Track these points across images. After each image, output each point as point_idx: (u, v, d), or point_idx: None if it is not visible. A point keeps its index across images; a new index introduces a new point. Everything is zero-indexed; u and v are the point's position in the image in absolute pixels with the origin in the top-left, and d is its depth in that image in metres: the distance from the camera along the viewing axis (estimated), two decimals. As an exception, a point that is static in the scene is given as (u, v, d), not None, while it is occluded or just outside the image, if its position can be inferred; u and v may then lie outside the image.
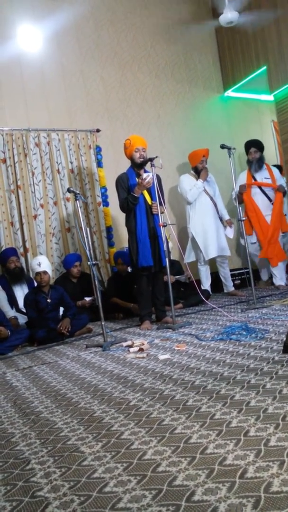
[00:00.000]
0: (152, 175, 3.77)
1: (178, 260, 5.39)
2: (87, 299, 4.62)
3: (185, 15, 6.39)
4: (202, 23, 6.47)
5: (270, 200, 5.25)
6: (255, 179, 5.32)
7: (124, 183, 3.98)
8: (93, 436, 1.60)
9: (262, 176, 5.30)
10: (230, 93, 6.61)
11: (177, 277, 4.90)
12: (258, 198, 5.28)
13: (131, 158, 4.04)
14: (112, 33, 5.81)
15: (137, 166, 4.02)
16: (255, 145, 5.39)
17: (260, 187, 5.30)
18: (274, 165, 5.78)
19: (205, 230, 5.14)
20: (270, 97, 6.15)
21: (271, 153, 6.76)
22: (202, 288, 5.10)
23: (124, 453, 1.42)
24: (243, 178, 5.40)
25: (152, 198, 3.94)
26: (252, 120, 6.82)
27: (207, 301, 4.20)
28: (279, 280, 5.19)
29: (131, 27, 5.95)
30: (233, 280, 5.54)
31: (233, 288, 5.35)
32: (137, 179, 3.92)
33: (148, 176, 3.80)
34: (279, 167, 5.85)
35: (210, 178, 5.34)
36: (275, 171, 5.41)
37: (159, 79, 6.13)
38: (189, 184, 5.21)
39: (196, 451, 1.35)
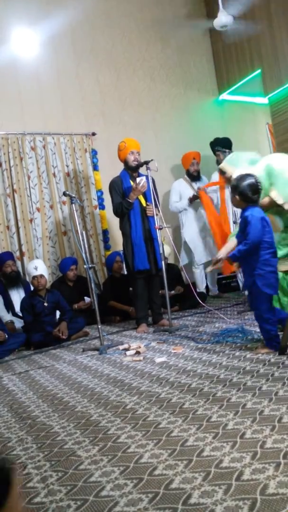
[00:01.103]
0: (147, 178, 3.77)
1: (175, 264, 5.39)
2: (87, 299, 4.62)
3: (179, 19, 6.42)
4: (196, 27, 6.49)
5: None
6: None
7: (118, 187, 3.97)
8: (90, 440, 1.60)
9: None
10: (225, 96, 6.64)
11: (172, 292, 4.88)
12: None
13: (125, 161, 4.03)
14: (107, 37, 5.83)
15: (131, 169, 4.02)
16: (219, 145, 5.12)
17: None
18: None
19: (196, 235, 5.24)
20: (265, 100, 6.17)
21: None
22: (198, 290, 5.10)
23: (120, 456, 1.42)
24: (215, 180, 5.18)
25: (147, 200, 3.94)
26: (247, 122, 6.84)
27: (203, 304, 4.20)
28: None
29: (126, 31, 5.97)
30: (229, 283, 5.57)
31: (217, 292, 5.43)
32: (132, 184, 3.92)
33: (142, 180, 3.80)
34: None
35: (204, 182, 5.38)
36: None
37: (154, 83, 6.15)
38: (177, 194, 5.35)
39: (192, 454, 1.35)
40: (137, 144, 4.07)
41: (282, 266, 2.84)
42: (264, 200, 2.76)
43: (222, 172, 3.02)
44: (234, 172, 2.78)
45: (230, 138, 6.32)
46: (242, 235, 2.47)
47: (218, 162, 4.99)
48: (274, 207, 2.79)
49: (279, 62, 5.69)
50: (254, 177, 2.47)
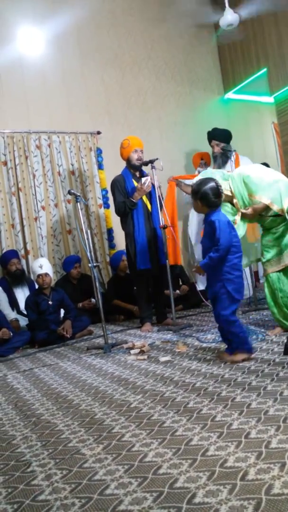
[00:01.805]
0: (151, 178, 3.77)
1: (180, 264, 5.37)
2: (94, 301, 4.62)
3: (185, 17, 6.40)
4: (202, 25, 6.48)
5: None
6: None
7: (120, 186, 3.95)
8: (94, 438, 1.60)
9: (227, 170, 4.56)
10: (230, 95, 6.62)
11: (177, 292, 4.87)
12: None
13: (128, 159, 4.02)
14: (113, 35, 5.83)
15: (134, 168, 4.01)
16: (216, 137, 4.68)
17: None
18: (262, 163, 5.51)
19: (197, 233, 5.19)
20: (271, 99, 6.15)
21: (272, 155, 6.76)
22: (199, 289, 5.08)
23: (125, 455, 1.42)
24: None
25: (151, 200, 3.94)
26: (253, 122, 6.82)
27: (207, 302, 4.19)
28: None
29: (132, 29, 5.97)
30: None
31: None
32: (136, 184, 3.91)
33: (147, 180, 3.80)
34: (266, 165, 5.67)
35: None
36: (244, 161, 4.69)
37: (160, 81, 6.14)
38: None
39: (197, 453, 1.35)
40: (140, 142, 4.06)
41: (271, 268, 2.84)
42: (250, 209, 2.77)
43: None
44: None
45: (236, 137, 6.26)
46: (209, 241, 2.40)
47: (213, 154, 4.76)
48: (258, 215, 2.80)
49: (285, 61, 5.67)
50: (214, 181, 2.42)
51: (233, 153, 4.60)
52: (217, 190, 2.39)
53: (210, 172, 2.99)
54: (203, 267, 2.44)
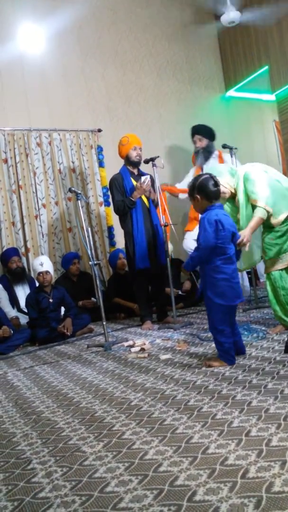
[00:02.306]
0: (151, 176, 3.76)
1: (180, 259, 5.37)
2: (94, 299, 4.63)
3: (186, 15, 6.39)
4: (203, 22, 6.46)
5: None
6: None
7: (119, 185, 3.94)
8: (95, 436, 1.60)
9: (210, 166, 4.38)
10: (232, 92, 6.61)
11: (178, 291, 4.85)
12: None
13: (126, 156, 4.00)
14: (114, 32, 5.81)
15: (132, 165, 4.01)
16: (199, 132, 4.58)
17: None
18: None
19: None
20: (272, 97, 6.14)
21: (273, 153, 6.75)
22: (198, 286, 5.08)
23: (125, 453, 1.42)
24: (191, 174, 4.73)
25: (149, 200, 3.93)
26: (254, 119, 6.81)
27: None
28: None
29: (133, 26, 5.95)
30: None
31: None
32: (134, 182, 3.90)
33: (146, 179, 3.79)
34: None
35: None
36: (227, 158, 4.54)
37: (161, 79, 6.12)
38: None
39: (197, 451, 1.35)
40: (139, 140, 4.06)
41: (273, 266, 2.82)
42: (246, 233, 2.59)
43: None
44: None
45: (237, 135, 6.25)
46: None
47: (195, 148, 4.63)
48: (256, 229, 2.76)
49: (286, 59, 5.65)
50: (209, 174, 2.38)
51: (216, 150, 4.51)
52: (214, 180, 2.33)
53: (217, 166, 2.95)
54: (185, 266, 2.40)
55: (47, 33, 5.35)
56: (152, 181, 3.84)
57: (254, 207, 2.73)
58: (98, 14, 5.71)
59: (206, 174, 2.40)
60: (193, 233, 4.32)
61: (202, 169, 4.45)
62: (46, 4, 5.35)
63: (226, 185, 2.78)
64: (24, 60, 5.19)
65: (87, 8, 5.59)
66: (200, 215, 2.40)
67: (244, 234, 2.53)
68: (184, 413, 1.68)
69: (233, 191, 2.82)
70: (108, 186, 5.32)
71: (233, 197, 2.85)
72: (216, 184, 2.34)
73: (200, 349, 2.76)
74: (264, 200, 2.67)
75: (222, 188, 2.55)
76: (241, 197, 2.79)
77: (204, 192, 2.33)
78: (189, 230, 4.68)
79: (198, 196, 2.35)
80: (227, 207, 2.88)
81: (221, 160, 4.51)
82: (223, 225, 2.27)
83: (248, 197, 2.76)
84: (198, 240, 2.34)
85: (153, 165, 3.78)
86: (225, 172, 2.82)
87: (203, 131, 4.54)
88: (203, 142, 4.51)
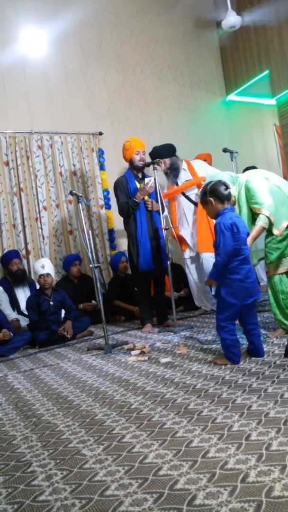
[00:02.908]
0: (154, 179, 3.77)
1: (180, 264, 5.38)
2: (95, 303, 4.63)
3: (187, 19, 6.42)
4: (204, 27, 6.49)
5: (193, 202, 4.33)
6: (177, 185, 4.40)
7: (123, 187, 3.97)
8: (95, 439, 1.60)
9: (183, 180, 4.36)
10: (232, 97, 6.63)
11: (179, 294, 4.86)
12: (183, 206, 4.38)
13: (130, 160, 4.03)
14: (115, 36, 5.84)
15: (137, 169, 4.02)
16: (160, 155, 4.28)
17: (183, 193, 4.37)
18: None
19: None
20: (273, 101, 6.16)
21: (273, 157, 6.77)
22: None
23: (125, 456, 1.42)
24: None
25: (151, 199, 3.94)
26: (254, 124, 6.83)
27: (208, 304, 4.19)
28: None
29: (134, 31, 5.98)
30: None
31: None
32: (138, 185, 3.92)
33: (150, 180, 3.80)
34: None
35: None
36: (197, 164, 4.47)
37: (162, 83, 6.15)
38: None
39: (197, 455, 1.35)
40: (142, 144, 4.07)
41: (274, 270, 2.83)
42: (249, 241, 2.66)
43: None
44: None
45: (238, 139, 6.23)
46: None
47: (164, 171, 4.35)
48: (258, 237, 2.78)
49: (287, 63, 5.67)
50: (220, 180, 2.46)
51: (183, 162, 4.39)
52: (224, 183, 2.42)
53: (218, 174, 2.95)
54: (212, 277, 2.43)
55: (49, 36, 5.37)
56: (155, 191, 3.82)
57: (255, 214, 2.75)
58: (100, 18, 5.73)
59: (216, 180, 2.47)
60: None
61: (176, 184, 4.35)
62: (48, 8, 5.37)
63: None
64: (26, 63, 5.21)
65: (89, 12, 5.62)
66: (214, 221, 2.44)
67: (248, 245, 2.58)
68: (184, 417, 1.68)
69: (233, 199, 2.82)
70: (109, 189, 5.37)
71: (233, 204, 2.85)
72: (227, 187, 2.42)
73: (200, 353, 2.76)
74: (268, 209, 2.68)
75: None
76: (242, 205, 2.79)
77: (216, 194, 2.40)
78: (183, 250, 4.45)
79: (211, 199, 2.41)
80: None
81: (192, 170, 4.38)
82: (238, 228, 2.35)
83: (248, 205, 2.77)
84: (216, 246, 2.37)
85: (154, 168, 3.79)
86: (226, 179, 2.83)
87: (162, 152, 4.30)
88: (166, 163, 4.28)
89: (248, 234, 2.46)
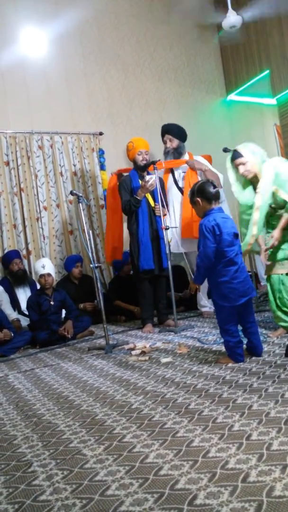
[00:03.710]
0: (155, 178, 3.77)
1: (181, 265, 5.37)
2: (95, 302, 4.62)
3: (188, 19, 6.41)
4: (204, 26, 6.49)
5: (181, 191, 4.27)
6: (173, 175, 4.37)
7: (127, 186, 3.98)
8: (95, 439, 1.60)
9: (180, 171, 4.33)
10: (232, 96, 6.63)
11: (180, 294, 4.85)
12: (173, 198, 4.31)
13: (133, 161, 4.05)
14: (115, 36, 5.84)
15: (140, 169, 4.03)
16: (170, 131, 4.27)
17: (175, 183, 4.33)
18: None
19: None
20: (273, 101, 6.16)
21: (274, 157, 6.76)
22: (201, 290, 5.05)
23: (126, 456, 1.42)
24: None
25: (155, 201, 3.94)
26: (255, 123, 6.82)
27: (209, 304, 4.19)
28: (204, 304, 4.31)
29: (134, 31, 5.98)
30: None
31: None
32: (140, 182, 3.93)
33: (151, 178, 3.80)
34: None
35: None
36: (199, 159, 4.44)
37: (162, 83, 6.14)
38: None
39: (198, 454, 1.35)
40: (145, 144, 4.08)
41: (274, 269, 2.82)
42: (276, 234, 2.71)
43: (236, 156, 2.82)
44: (248, 161, 2.78)
45: (238, 139, 6.21)
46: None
47: (165, 149, 4.31)
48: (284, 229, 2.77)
49: (287, 63, 5.67)
50: (208, 179, 2.51)
51: (186, 153, 4.35)
52: (212, 184, 2.42)
53: (254, 146, 2.88)
54: (195, 280, 2.46)
55: (49, 36, 5.37)
56: (162, 201, 3.81)
57: (280, 202, 2.74)
58: (100, 18, 5.73)
59: (205, 180, 2.53)
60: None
61: (171, 173, 4.32)
62: (48, 8, 5.37)
63: (253, 165, 2.79)
64: (26, 64, 5.21)
65: (89, 12, 5.62)
66: (199, 222, 2.44)
67: (276, 237, 2.70)
68: (185, 417, 1.68)
69: (257, 174, 2.79)
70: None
71: (255, 180, 2.81)
72: (215, 186, 2.42)
73: (200, 353, 2.76)
74: None
75: (248, 166, 2.76)
76: (265, 184, 2.71)
77: (203, 194, 2.40)
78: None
79: (199, 199, 2.42)
80: (246, 192, 2.89)
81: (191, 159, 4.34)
82: (221, 229, 2.33)
83: (274, 189, 2.72)
84: (198, 248, 2.39)
85: (154, 168, 3.79)
86: (258, 154, 2.81)
87: (174, 131, 4.25)
88: (174, 143, 4.22)
89: (235, 234, 2.42)
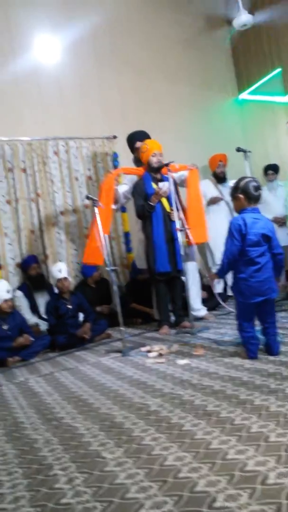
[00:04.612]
0: (169, 183, 3.78)
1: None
2: (112, 305, 4.66)
3: (199, 19, 6.41)
4: (215, 26, 6.47)
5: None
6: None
7: (140, 189, 4.00)
8: (114, 441, 1.62)
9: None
10: (244, 95, 6.59)
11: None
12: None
13: (148, 162, 4.06)
14: (128, 40, 5.87)
15: (154, 171, 4.05)
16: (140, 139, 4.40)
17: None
18: (273, 164, 5.54)
19: (217, 234, 5.11)
20: (286, 99, 6.09)
21: (287, 155, 6.69)
22: (215, 292, 5.03)
23: (145, 459, 1.44)
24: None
25: (170, 204, 3.94)
26: (267, 122, 6.75)
27: (224, 304, 4.18)
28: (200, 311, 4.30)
29: (146, 34, 6.00)
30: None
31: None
32: (155, 186, 3.94)
33: (164, 185, 3.82)
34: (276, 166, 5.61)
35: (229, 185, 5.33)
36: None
37: (174, 84, 6.15)
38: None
39: (216, 457, 1.36)
40: (158, 145, 4.10)
41: None
42: None
43: None
44: None
45: (251, 138, 6.20)
46: None
47: (135, 159, 4.44)
48: None
49: (300, 60, 5.61)
50: (254, 179, 2.56)
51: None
52: (257, 185, 2.50)
53: None
54: (217, 272, 2.61)
55: (63, 43, 5.44)
56: (177, 205, 3.79)
57: None
58: (112, 23, 5.77)
59: (251, 177, 2.58)
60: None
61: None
62: (61, 15, 5.44)
63: None
64: (40, 71, 5.29)
65: (101, 17, 5.66)
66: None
67: None
68: (203, 419, 1.69)
69: None
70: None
71: None
72: (258, 188, 2.50)
73: (217, 354, 2.76)
74: None
75: None
76: None
77: (246, 193, 2.49)
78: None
79: (241, 196, 2.51)
80: None
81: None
82: (247, 229, 2.42)
83: None
84: (225, 244, 2.51)
85: (168, 170, 3.81)
86: None
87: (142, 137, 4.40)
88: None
89: (265, 236, 2.45)
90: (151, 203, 3.87)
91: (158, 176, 4.07)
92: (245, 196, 2.49)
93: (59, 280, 4.07)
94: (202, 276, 5.16)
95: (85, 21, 5.54)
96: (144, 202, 3.93)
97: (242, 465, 1.28)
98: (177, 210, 3.81)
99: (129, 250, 5.46)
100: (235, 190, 2.54)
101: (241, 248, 2.42)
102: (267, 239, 2.47)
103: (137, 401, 2.07)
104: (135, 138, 4.51)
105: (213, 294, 4.17)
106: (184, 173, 4.28)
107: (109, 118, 5.62)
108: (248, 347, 2.48)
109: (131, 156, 5.31)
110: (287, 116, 6.52)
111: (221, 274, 2.59)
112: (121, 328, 3.40)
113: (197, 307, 4.27)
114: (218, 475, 1.25)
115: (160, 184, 3.85)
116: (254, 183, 2.49)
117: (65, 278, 4.08)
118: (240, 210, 2.54)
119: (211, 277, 2.65)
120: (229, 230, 2.47)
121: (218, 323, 3.98)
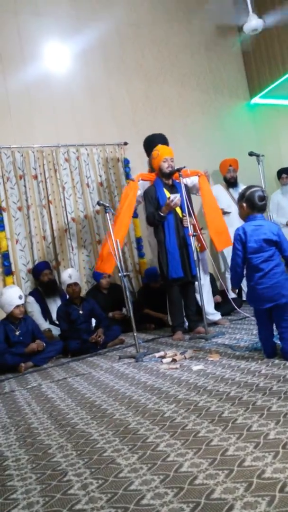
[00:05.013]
0: (180, 190, 3.76)
1: (210, 272, 5.33)
2: (124, 310, 4.65)
3: (208, 25, 6.42)
4: (226, 31, 6.48)
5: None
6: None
7: (151, 197, 3.99)
8: (129, 448, 1.60)
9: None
10: (256, 100, 6.57)
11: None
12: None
13: (159, 168, 4.06)
14: (137, 47, 5.91)
15: (165, 176, 4.04)
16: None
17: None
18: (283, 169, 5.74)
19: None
20: (299, 102, 6.08)
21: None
22: (229, 297, 4.99)
23: (160, 465, 1.41)
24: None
25: (183, 211, 3.93)
26: (280, 125, 6.74)
27: (239, 310, 4.13)
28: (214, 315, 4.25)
29: (155, 40, 6.03)
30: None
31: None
32: (166, 192, 3.93)
33: (175, 197, 3.82)
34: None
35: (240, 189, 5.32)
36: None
37: (185, 89, 6.16)
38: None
39: (233, 463, 1.33)
40: (170, 151, 4.09)
41: None
42: None
43: None
44: None
45: (264, 142, 6.18)
46: None
47: (150, 163, 4.32)
48: None
49: (312, 63, 5.58)
50: (261, 188, 2.60)
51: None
52: (263, 195, 2.54)
53: None
54: (232, 285, 2.72)
55: (73, 51, 5.49)
56: (189, 211, 3.78)
57: None
58: (122, 30, 5.82)
59: (258, 187, 2.60)
60: None
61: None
62: (71, 24, 5.50)
63: None
64: (51, 79, 5.34)
65: (110, 25, 5.71)
66: None
67: None
68: (219, 425, 1.66)
69: None
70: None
71: None
72: (263, 198, 2.54)
73: (232, 360, 2.72)
74: None
75: None
76: None
77: (250, 202, 2.54)
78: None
79: (244, 204, 2.56)
80: None
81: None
82: (247, 237, 2.50)
83: None
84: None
85: (180, 175, 3.79)
86: None
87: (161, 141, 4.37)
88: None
89: (267, 241, 2.46)
90: (161, 213, 3.87)
91: (170, 181, 4.06)
92: (249, 205, 2.54)
93: (69, 285, 4.08)
94: (215, 281, 5.12)
95: (94, 29, 5.59)
96: (155, 211, 3.93)
97: (260, 472, 1.25)
98: (190, 216, 3.80)
99: (141, 255, 5.45)
100: (240, 198, 2.60)
101: (243, 256, 2.52)
102: (273, 243, 2.47)
103: (151, 407, 2.05)
104: (153, 142, 4.46)
105: (228, 299, 4.13)
106: (196, 179, 4.27)
107: (120, 124, 5.65)
108: (263, 348, 2.62)
109: (141, 161, 5.32)
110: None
111: (233, 284, 2.70)
112: (134, 334, 3.38)
113: (211, 312, 4.23)
114: (235, 482, 1.22)
115: (171, 196, 3.85)
116: (260, 193, 2.52)
117: (75, 284, 4.09)
118: (244, 217, 2.60)
119: (232, 290, 2.74)
120: (233, 239, 2.58)
121: (233, 328, 3.94)
